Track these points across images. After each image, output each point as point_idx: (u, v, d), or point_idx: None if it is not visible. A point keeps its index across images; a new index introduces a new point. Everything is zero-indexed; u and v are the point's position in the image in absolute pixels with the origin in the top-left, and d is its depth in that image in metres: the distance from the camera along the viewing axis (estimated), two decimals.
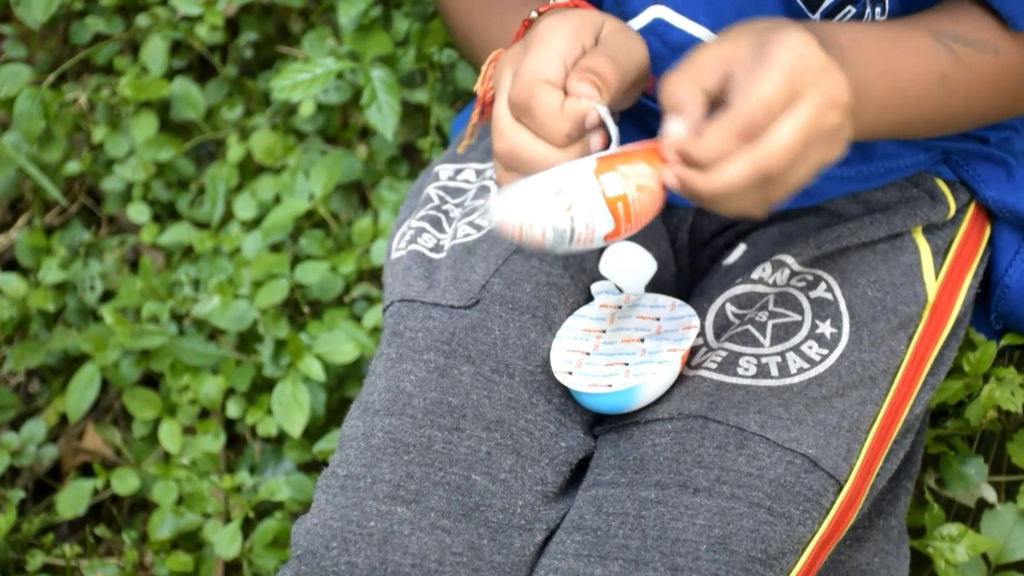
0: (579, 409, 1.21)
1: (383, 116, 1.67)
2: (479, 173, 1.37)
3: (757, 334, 1.21)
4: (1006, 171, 1.34)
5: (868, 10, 1.16)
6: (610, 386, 1.14)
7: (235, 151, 1.84)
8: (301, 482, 1.68)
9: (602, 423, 1.22)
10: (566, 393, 1.20)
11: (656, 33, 1.22)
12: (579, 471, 1.21)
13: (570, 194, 1.00)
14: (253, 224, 1.83)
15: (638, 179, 1.02)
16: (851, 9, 1.17)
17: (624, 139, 1.32)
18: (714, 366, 1.19)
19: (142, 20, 1.87)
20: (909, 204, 1.30)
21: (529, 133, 1.05)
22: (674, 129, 1.01)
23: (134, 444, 1.81)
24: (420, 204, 1.32)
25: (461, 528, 1.11)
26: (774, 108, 0.99)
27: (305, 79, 1.69)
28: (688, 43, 1.21)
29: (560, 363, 1.18)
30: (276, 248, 1.80)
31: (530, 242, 1.00)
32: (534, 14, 1.17)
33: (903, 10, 1.18)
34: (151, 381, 1.84)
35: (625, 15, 1.22)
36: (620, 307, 1.22)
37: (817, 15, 1.18)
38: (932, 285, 1.28)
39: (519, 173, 1.05)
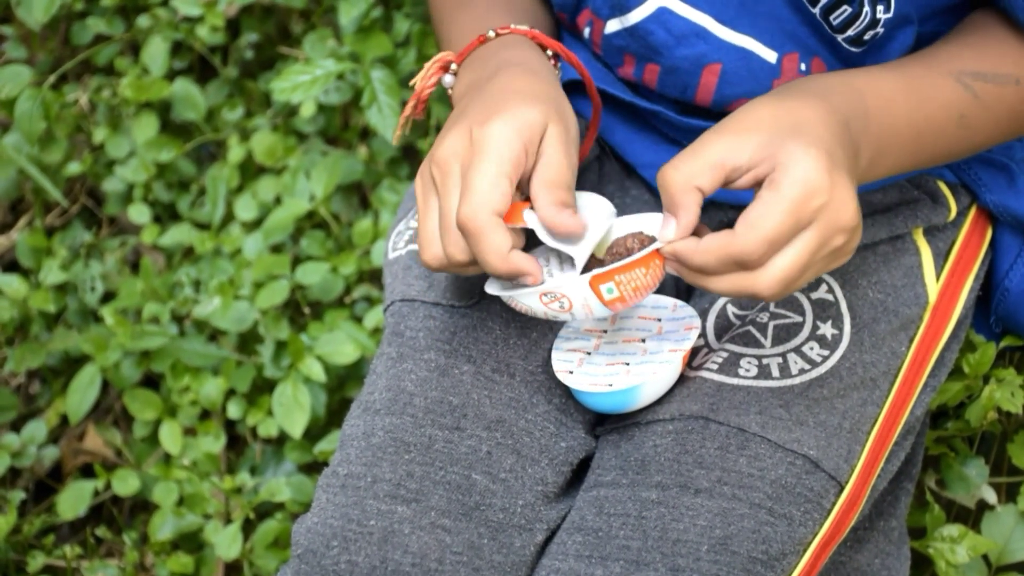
0: (580, 409, 1.21)
1: (383, 117, 1.67)
2: None
3: (758, 335, 1.21)
4: (1007, 176, 1.34)
5: (867, 7, 1.16)
6: (611, 385, 1.14)
7: (236, 152, 1.85)
8: (302, 483, 1.68)
9: (603, 424, 1.22)
10: (567, 393, 1.20)
11: (660, 21, 1.22)
12: (580, 471, 1.21)
13: (568, 301, 1.07)
14: (254, 225, 1.83)
15: (635, 282, 1.07)
16: (847, 9, 1.17)
17: (623, 140, 1.33)
18: (715, 367, 1.19)
19: (143, 21, 1.87)
20: (910, 206, 1.30)
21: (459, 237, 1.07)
22: (668, 233, 1.05)
23: (135, 445, 1.81)
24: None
25: (461, 527, 1.11)
26: (777, 244, 1.01)
27: (306, 80, 1.69)
28: (692, 31, 1.21)
29: (561, 362, 1.18)
30: (277, 249, 1.81)
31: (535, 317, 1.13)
32: (491, 33, 1.20)
33: (912, 8, 1.18)
34: (152, 382, 1.84)
35: (628, 4, 1.23)
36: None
37: (816, 10, 1.18)
38: (933, 287, 1.28)
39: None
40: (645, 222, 1.12)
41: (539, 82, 1.13)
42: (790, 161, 1.01)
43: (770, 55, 1.22)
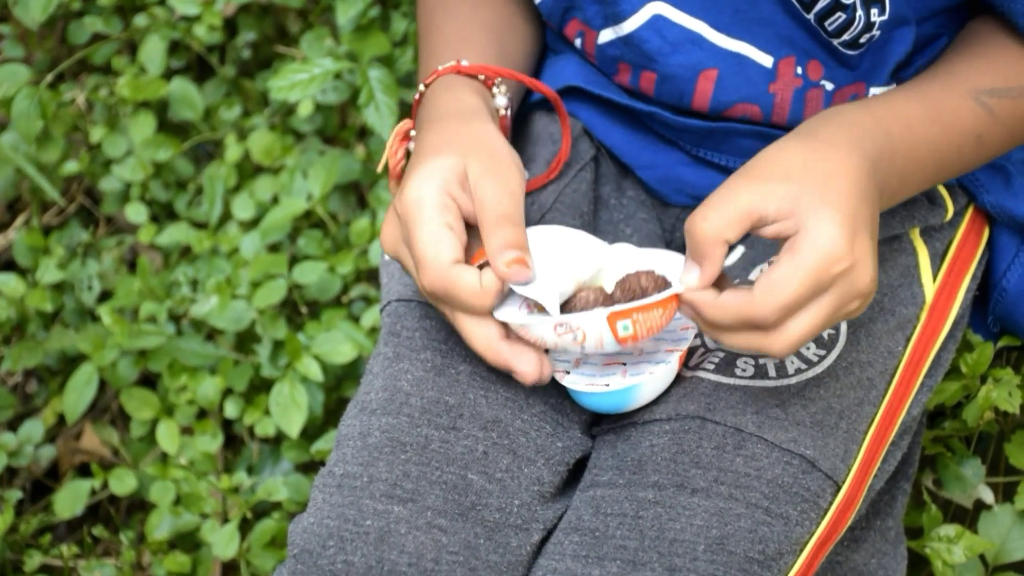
0: (576, 409, 1.21)
1: (381, 116, 1.67)
2: None
3: None
4: (1004, 177, 1.34)
5: (860, 12, 1.16)
6: (607, 385, 1.14)
7: (233, 151, 1.84)
8: (299, 482, 1.68)
9: (600, 424, 1.22)
10: (563, 393, 1.20)
11: (655, 29, 1.22)
12: (576, 472, 1.21)
13: (583, 334, 1.08)
14: (251, 224, 1.83)
15: (650, 322, 1.07)
16: (841, 15, 1.17)
17: (619, 141, 1.33)
18: (712, 367, 1.19)
19: (140, 20, 1.87)
20: (907, 206, 1.29)
21: (449, 308, 1.10)
22: (690, 280, 1.06)
23: (132, 444, 1.81)
24: None
25: (458, 527, 1.11)
26: (792, 309, 1.03)
27: (303, 79, 1.69)
28: (687, 38, 1.21)
29: (558, 363, 1.18)
30: (274, 248, 1.80)
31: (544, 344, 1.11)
32: (422, 87, 1.21)
33: (909, 10, 1.18)
34: (149, 381, 1.84)
35: (623, 13, 1.23)
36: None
37: (811, 16, 1.18)
38: (930, 287, 1.28)
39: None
40: (657, 259, 1.13)
41: (449, 126, 1.15)
42: (814, 226, 1.02)
43: (766, 60, 1.22)
